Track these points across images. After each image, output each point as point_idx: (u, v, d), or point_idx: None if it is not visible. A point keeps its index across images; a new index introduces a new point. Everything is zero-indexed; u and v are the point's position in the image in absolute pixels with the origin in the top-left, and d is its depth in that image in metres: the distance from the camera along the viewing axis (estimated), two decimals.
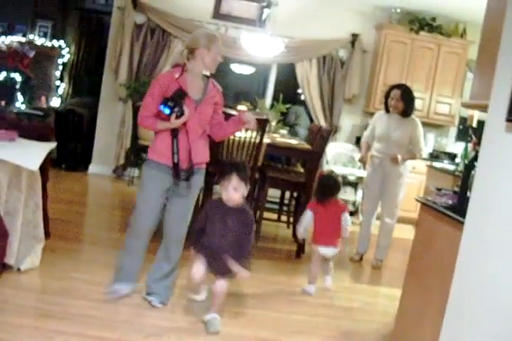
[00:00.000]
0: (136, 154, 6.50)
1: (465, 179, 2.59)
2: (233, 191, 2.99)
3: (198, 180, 3.25)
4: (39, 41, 8.57)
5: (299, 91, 7.71)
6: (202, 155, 3.19)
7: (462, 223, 2.39)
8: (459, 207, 2.54)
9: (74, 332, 2.78)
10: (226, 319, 3.24)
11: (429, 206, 2.80)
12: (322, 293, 4.05)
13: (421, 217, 2.99)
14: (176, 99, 2.99)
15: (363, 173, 6.77)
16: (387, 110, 4.89)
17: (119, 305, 3.20)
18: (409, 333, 2.89)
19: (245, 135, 4.52)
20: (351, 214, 6.82)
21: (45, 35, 8.84)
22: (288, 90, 7.67)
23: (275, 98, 7.06)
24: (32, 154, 3.31)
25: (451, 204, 2.68)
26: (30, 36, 8.63)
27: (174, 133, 3.06)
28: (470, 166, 2.61)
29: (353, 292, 4.25)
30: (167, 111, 2.97)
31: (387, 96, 4.87)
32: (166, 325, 3.07)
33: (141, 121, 3.14)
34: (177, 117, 2.97)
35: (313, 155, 5.01)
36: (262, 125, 4.42)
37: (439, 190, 2.92)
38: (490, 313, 2.13)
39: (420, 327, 2.76)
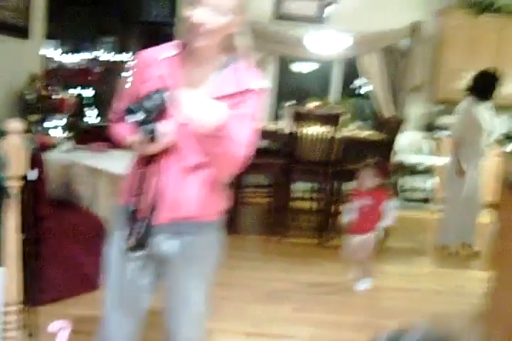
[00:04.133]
0: None
1: None
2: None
3: (198, 244, 1.81)
4: (104, 57, 8.93)
5: (356, 84, 7.77)
6: (194, 204, 1.74)
7: None
8: None
9: None
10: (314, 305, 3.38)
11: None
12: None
13: (503, 198, 3.04)
14: (148, 105, 1.60)
15: (433, 160, 6.80)
16: (485, 97, 4.70)
17: None
18: (503, 311, 2.95)
19: (319, 131, 4.67)
20: (425, 201, 6.88)
21: (110, 51, 9.21)
22: (345, 84, 7.77)
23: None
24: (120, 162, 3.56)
25: None
26: (96, 53, 9.02)
27: (147, 158, 1.71)
28: None
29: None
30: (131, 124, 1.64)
31: (490, 81, 4.72)
32: None
33: (111, 130, 1.88)
34: (151, 140, 1.63)
35: (386, 146, 5.11)
36: (334, 120, 4.58)
37: None
38: None
39: None
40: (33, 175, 2.27)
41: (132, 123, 1.60)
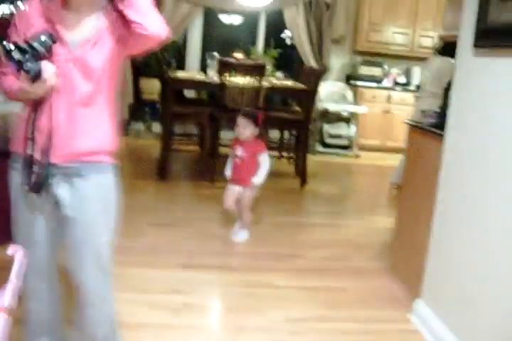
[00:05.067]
0: (140, 108, 6.88)
1: (445, 99, 3.00)
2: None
3: (94, 186, 1.84)
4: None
5: (284, 35, 7.98)
6: (87, 138, 1.80)
7: (442, 136, 2.81)
8: (441, 124, 2.95)
9: None
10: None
11: (416, 126, 3.22)
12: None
13: (410, 137, 3.42)
14: (34, 44, 1.63)
15: (354, 109, 7.20)
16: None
17: None
18: (406, 243, 3.36)
19: (245, 81, 4.91)
20: (346, 148, 7.31)
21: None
22: (272, 36, 7.97)
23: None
24: None
25: (434, 122, 3.10)
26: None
27: (35, 104, 1.76)
28: (447, 88, 3.01)
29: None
30: (15, 67, 1.66)
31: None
32: None
33: None
34: (33, 80, 1.65)
35: (309, 95, 5.41)
36: (260, 70, 4.81)
37: (423, 111, 3.33)
38: (475, 218, 2.57)
39: (414, 237, 3.22)
40: None
41: (14, 60, 1.61)
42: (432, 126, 3.05)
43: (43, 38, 1.65)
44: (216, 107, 5.14)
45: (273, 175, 5.72)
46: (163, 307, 2.77)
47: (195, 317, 2.73)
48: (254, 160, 3.73)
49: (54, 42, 1.67)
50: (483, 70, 2.48)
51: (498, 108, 2.32)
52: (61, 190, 1.81)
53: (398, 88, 7.63)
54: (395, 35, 7.57)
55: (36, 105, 1.74)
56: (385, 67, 7.79)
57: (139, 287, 2.95)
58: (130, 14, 1.67)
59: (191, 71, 7.19)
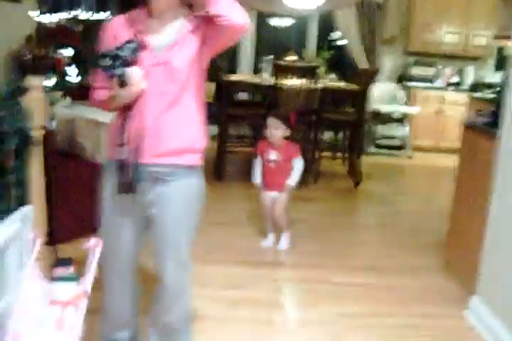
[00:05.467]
0: None
1: (500, 97, 3.01)
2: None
3: (179, 191, 1.93)
4: (84, 15, 9.00)
5: (335, 37, 8.03)
6: (176, 137, 1.88)
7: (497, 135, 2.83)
8: (495, 122, 2.96)
9: None
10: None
11: (470, 125, 3.25)
12: None
13: (464, 136, 3.44)
14: (120, 52, 1.76)
15: (407, 109, 7.19)
16: None
17: None
18: (461, 240, 3.38)
19: (300, 83, 5.00)
20: (398, 149, 7.31)
21: (88, 10, 9.27)
22: (323, 38, 8.03)
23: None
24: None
25: (489, 121, 3.11)
26: (75, 12, 9.07)
27: (125, 109, 1.86)
28: (503, 86, 3.02)
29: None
30: (106, 73, 1.80)
31: None
32: None
33: (91, 98, 2.00)
34: (121, 85, 1.78)
35: (361, 95, 5.46)
36: (313, 72, 4.91)
37: (479, 111, 3.35)
38: None
39: (469, 234, 3.24)
40: (52, 124, 2.59)
41: (104, 67, 1.77)
42: (486, 124, 3.07)
43: (130, 45, 1.78)
44: (270, 109, 5.24)
45: (327, 175, 5.83)
46: (222, 301, 2.89)
47: (252, 310, 2.84)
48: (288, 164, 3.61)
49: (140, 48, 1.80)
50: None
51: None
52: (149, 190, 1.90)
53: (451, 88, 7.58)
54: (447, 35, 7.51)
55: (127, 111, 1.85)
56: (438, 67, 7.74)
57: (198, 282, 3.07)
58: (213, 10, 1.75)
59: (243, 74, 7.32)
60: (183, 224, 1.98)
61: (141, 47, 1.80)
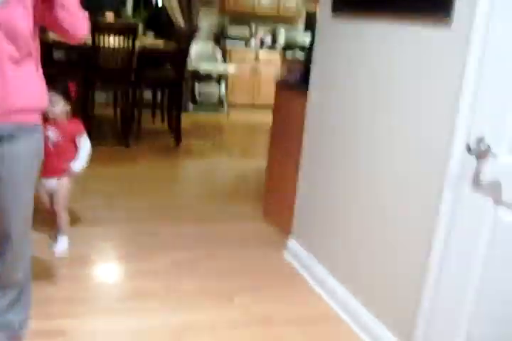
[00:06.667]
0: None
1: (308, 57, 3.31)
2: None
3: (25, 147, 1.95)
4: None
5: None
6: (25, 94, 1.88)
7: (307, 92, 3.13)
8: (305, 80, 3.26)
9: None
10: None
11: (283, 83, 3.54)
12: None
13: (277, 93, 3.73)
14: None
15: (224, 68, 7.45)
16: None
17: None
18: (276, 191, 3.71)
19: (118, 42, 4.97)
20: (216, 106, 7.60)
21: None
22: None
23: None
24: None
25: (300, 79, 3.41)
26: None
27: None
28: (311, 47, 3.32)
29: None
30: None
31: None
32: None
33: None
34: None
35: (181, 54, 5.57)
36: (132, 31, 4.91)
37: (290, 69, 3.64)
38: (338, 160, 2.92)
39: (284, 183, 3.56)
40: None
41: None
42: (297, 83, 3.37)
43: None
44: (90, 68, 5.16)
45: (148, 133, 5.90)
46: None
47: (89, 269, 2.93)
48: (71, 145, 3.02)
49: None
50: (339, 33, 2.80)
51: (356, 68, 2.66)
52: None
53: (265, 48, 7.96)
54: None
55: None
56: (253, 27, 8.06)
57: None
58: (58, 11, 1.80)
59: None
60: (30, 180, 2.02)
61: None
